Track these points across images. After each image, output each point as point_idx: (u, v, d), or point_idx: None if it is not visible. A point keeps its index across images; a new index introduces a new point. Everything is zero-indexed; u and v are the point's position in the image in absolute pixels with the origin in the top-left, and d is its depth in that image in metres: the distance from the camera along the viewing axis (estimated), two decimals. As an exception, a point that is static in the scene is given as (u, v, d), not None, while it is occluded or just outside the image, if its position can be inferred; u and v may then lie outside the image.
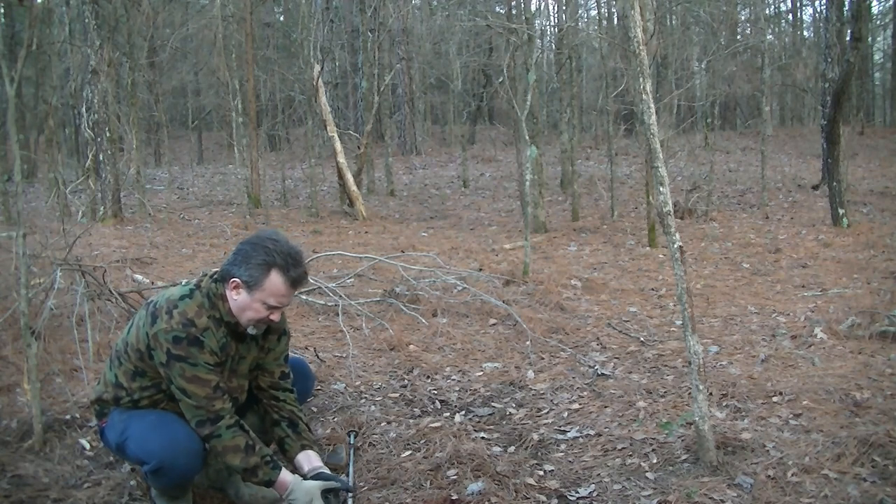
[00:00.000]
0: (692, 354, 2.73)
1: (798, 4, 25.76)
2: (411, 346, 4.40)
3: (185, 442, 2.36)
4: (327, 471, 2.53)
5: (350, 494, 2.51)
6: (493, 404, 3.55)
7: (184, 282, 2.55)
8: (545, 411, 3.43)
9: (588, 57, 21.57)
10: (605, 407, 3.40)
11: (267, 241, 2.38)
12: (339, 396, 3.63)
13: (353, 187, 11.23)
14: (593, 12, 23.83)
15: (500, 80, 10.56)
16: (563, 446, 3.04)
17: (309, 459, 2.53)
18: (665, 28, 13.50)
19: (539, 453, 2.99)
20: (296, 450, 2.55)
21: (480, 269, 6.57)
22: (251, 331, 2.44)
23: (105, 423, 2.52)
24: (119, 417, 2.48)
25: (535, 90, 8.78)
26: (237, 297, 2.38)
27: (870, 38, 21.21)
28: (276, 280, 2.35)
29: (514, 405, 3.52)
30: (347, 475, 2.76)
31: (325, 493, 2.43)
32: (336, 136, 11.42)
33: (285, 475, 2.41)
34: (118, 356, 2.49)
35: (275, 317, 2.43)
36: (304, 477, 2.49)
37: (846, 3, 9.84)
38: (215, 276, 2.44)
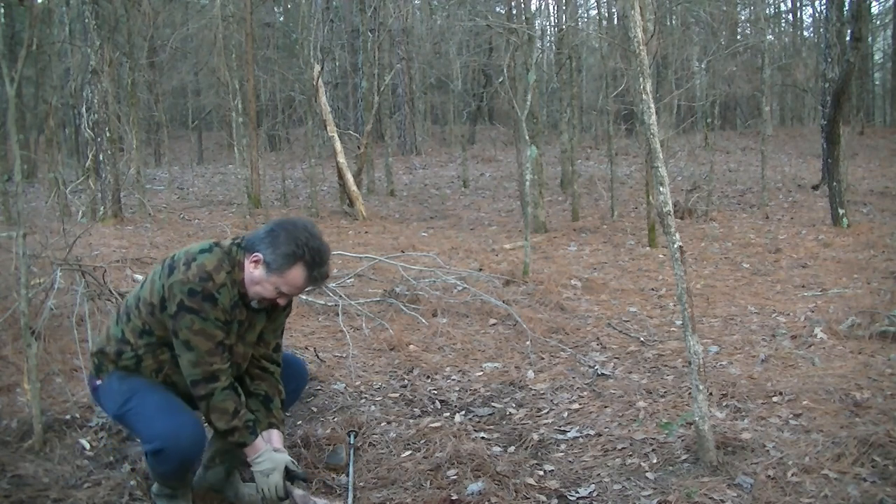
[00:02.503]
0: (692, 354, 2.73)
1: (798, 4, 25.78)
2: (411, 346, 4.40)
3: (191, 428, 2.36)
4: (286, 454, 2.53)
5: (306, 484, 2.53)
6: (493, 404, 3.55)
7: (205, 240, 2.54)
8: (545, 411, 3.43)
9: (588, 57, 21.57)
10: (605, 407, 3.40)
11: (302, 231, 2.37)
12: (339, 396, 3.63)
13: (353, 187, 11.23)
14: (593, 12, 23.85)
15: (500, 80, 10.56)
16: (563, 446, 3.04)
17: (271, 439, 2.52)
18: (665, 28, 13.51)
19: (539, 453, 2.99)
20: (263, 426, 2.53)
21: (480, 269, 6.57)
22: (254, 304, 2.45)
23: (101, 382, 2.49)
24: (119, 386, 2.44)
25: (535, 90, 8.78)
26: (254, 271, 2.37)
27: (870, 38, 21.21)
28: (297, 273, 2.36)
29: (514, 405, 3.52)
30: (347, 475, 2.76)
31: (287, 472, 2.45)
32: (336, 136, 11.42)
33: (259, 441, 2.43)
34: (127, 312, 2.47)
35: (281, 301, 2.44)
36: None
37: (846, 3, 9.84)
38: (240, 242, 2.43)
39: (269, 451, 2.44)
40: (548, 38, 19.91)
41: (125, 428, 2.59)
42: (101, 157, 9.80)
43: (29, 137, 16.41)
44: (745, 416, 3.18)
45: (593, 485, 2.69)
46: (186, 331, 2.31)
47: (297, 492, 2.48)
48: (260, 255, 2.36)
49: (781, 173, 13.74)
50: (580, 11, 19.68)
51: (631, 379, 3.77)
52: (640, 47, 2.76)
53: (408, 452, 2.97)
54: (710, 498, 2.51)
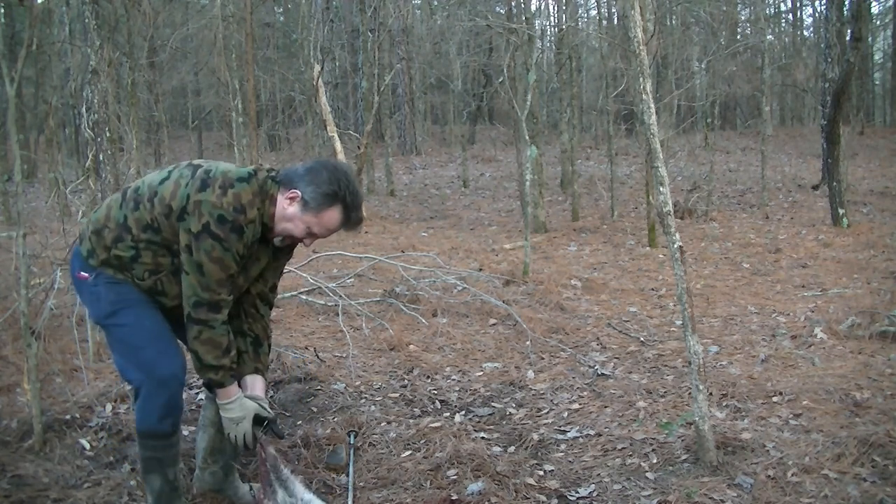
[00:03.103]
0: (692, 354, 2.73)
1: (798, 4, 25.77)
2: (411, 346, 4.40)
3: (175, 365, 2.34)
4: (265, 401, 2.49)
5: (275, 433, 2.49)
6: (493, 404, 3.55)
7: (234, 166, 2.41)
8: (545, 411, 3.43)
9: (588, 57, 21.56)
10: (605, 407, 3.40)
11: (343, 174, 2.33)
12: (339, 396, 3.63)
13: (354, 187, 11.21)
14: (593, 12, 23.84)
15: (500, 80, 10.56)
16: (563, 446, 3.04)
17: (254, 384, 2.48)
18: (665, 28, 13.51)
19: (539, 453, 3.00)
20: (248, 369, 2.48)
21: (480, 269, 6.57)
22: (277, 241, 2.40)
23: (88, 277, 2.37)
24: (107, 294, 2.35)
25: (535, 90, 8.77)
26: (288, 208, 2.31)
27: (870, 38, 21.20)
28: (335, 214, 2.32)
29: (514, 405, 3.52)
30: (347, 475, 2.76)
31: (258, 419, 2.42)
32: (336, 136, 11.41)
33: (234, 387, 2.38)
34: (136, 198, 2.34)
35: (307, 242, 2.40)
36: None
37: (846, 3, 9.83)
38: (275, 176, 2.35)
39: (241, 398, 2.39)
40: (548, 38, 19.91)
41: (105, 334, 2.48)
42: (101, 157, 9.76)
43: (29, 137, 16.41)
44: (745, 416, 3.18)
45: (593, 485, 2.70)
46: (204, 254, 2.23)
47: (270, 451, 2.42)
48: (298, 192, 2.30)
49: (781, 173, 13.73)
50: (580, 11, 19.68)
51: (631, 379, 3.77)
52: (640, 47, 2.76)
53: (408, 452, 2.97)
54: (710, 498, 2.51)
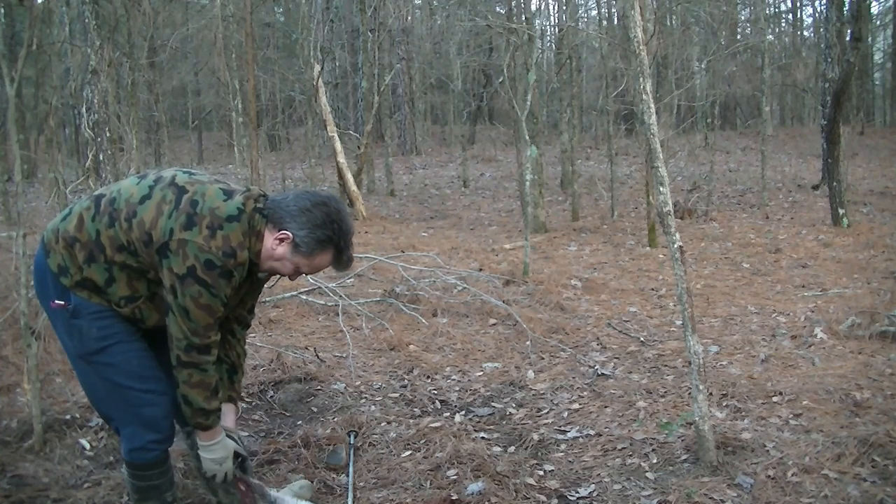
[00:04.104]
0: (692, 354, 2.73)
1: (798, 4, 25.78)
2: (411, 346, 4.40)
3: (160, 419, 2.26)
4: (237, 435, 2.46)
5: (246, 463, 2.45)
6: (493, 404, 3.55)
7: (221, 185, 2.23)
8: (545, 411, 3.43)
9: (588, 57, 21.57)
10: (605, 407, 3.40)
11: (336, 214, 2.21)
12: (339, 396, 3.63)
13: (353, 187, 11.22)
14: (593, 12, 23.85)
15: (500, 80, 10.56)
16: (563, 446, 3.04)
17: (226, 415, 2.39)
18: (665, 28, 13.49)
19: (539, 453, 3.00)
20: (222, 397, 2.37)
21: (480, 269, 6.57)
22: (261, 276, 2.32)
23: (67, 306, 2.18)
24: (89, 327, 2.18)
25: (535, 90, 8.77)
26: (277, 248, 2.19)
27: (870, 38, 21.20)
28: (326, 258, 2.23)
29: (514, 405, 3.52)
30: (347, 475, 2.76)
31: (235, 454, 2.38)
32: (336, 136, 11.42)
33: (219, 426, 2.31)
34: (112, 213, 2.16)
35: (293, 278, 2.31)
36: None
37: (846, 3, 9.83)
38: (263, 210, 2.20)
39: (224, 438, 2.32)
40: (548, 38, 19.92)
41: (82, 371, 2.30)
42: (101, 157, 9.77)
43: (29, 137, 16.41)
44: (745, 416, 3.18)
45: (593, 485, 2.70)
46: (191, 300, 2.10)
47: (253, 481, 2.41)
48: (289, 234, 2.18)
49: (781, 173, 13.74)
50: (580, 11, 19.68)
51: (631, 379, 3.77)
52: (640, 47, 2.76)
53: (408, 452, 2.97)
54: (710, 498, 2.51)
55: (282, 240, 2.19)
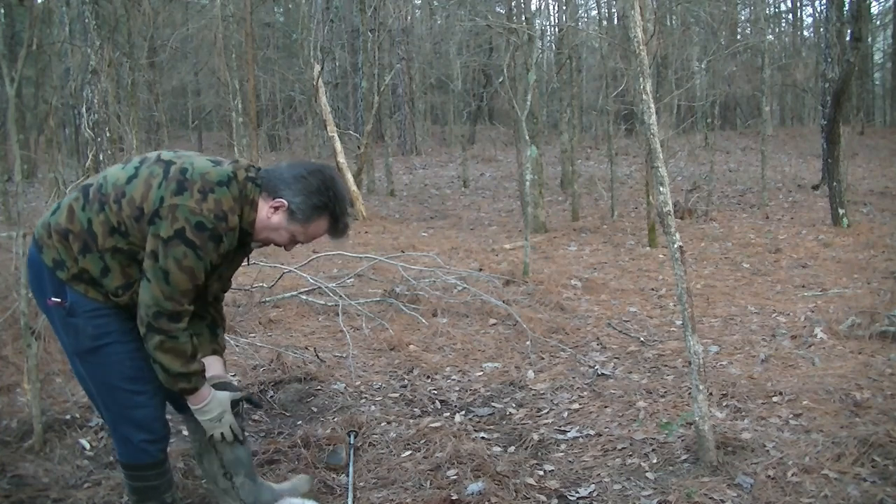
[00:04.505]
0: (692, 354, 2.73)
1: (798, 4, 25.79)
2: (411, 346, 4.40)
3: (152, 421, 2.25)
4: (229, 379, 2.43)
5: (255, 406, 2.42)
6: (493, 404, 3.55)
7: (208, 157, 2.24)
8: (545, 411, 3.43)
9: (588, 57, 21.57)
10: (605, 407, 3.40)
11: (331, 181, 2.21)
12: (339, 396, 3.63)
13: (353, 187, 11.23)
14: (593, 12, 23.86)
15: (500, 80, 10.56)
16: (563, 446, 3.04)
17: (212, 366, 2.36)
18: (665, 28, 13.49)
19: (539, 453, 3.00)
20: (205, 351, 2.38)
21: (480, 269, 6.57)
22: (255, 246, 2.29)
23: (63, 304, 2.16)
24: (85, 326, 2.16)
25: (535, 90, 8.77)
26: (272, 217, 2.18)
27: (870, 38, 21.20)
28: (322, 225, 2.22)
29: (514, 405, 3.52)
30: (347, 475, 2.76)
31: (233, 404, 2.34)
32: (336, 136, 11.42)
33: (206, 387, 2.25)
34: (101, 199, 2.14)
35: (289, 248, 2.29)
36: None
37: (846, 3, 9.83)
38: (256, 179, 2.19)
39: (215, 394, 2.27)
40: (548, 38, 19.92)
41: (78, 367, 2.29)
42: (101, 157, 9.78)
43: (29, 137, 16.41)
44: (745, 416, 3.18)
45: (593, 485, 2.70)
46: (173, 262, 2.06)
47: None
48: (284, 202, 2.17)
49: (781, 173, 13.74)
50: (580, 11, 19.68)
51: (631, 379, 3.77)
52: (640, 47, 2.76)
53: (408, 452, 2.97)
54: (710, 498, 2.51)
55: (277, 208, 2.18)
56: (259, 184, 2.19)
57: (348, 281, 5.86)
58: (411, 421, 3.30)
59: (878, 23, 23.41)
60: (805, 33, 25.69)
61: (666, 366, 3.96)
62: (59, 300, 2.17)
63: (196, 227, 2.06)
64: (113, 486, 2.70)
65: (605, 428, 3.16)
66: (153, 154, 2.25)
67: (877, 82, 25.89)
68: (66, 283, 2.16)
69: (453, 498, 2.55)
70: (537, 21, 13.65)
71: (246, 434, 2.44)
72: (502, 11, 14.86)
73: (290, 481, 2.62)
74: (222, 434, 2.30)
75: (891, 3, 22.88)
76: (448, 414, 3.43)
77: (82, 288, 2.16)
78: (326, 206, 2.20)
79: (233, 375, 3.74)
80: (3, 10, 15.13)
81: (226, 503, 2.42)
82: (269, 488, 2.49)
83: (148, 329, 2.11)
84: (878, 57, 25.57)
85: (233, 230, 2.13)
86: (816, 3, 22.65)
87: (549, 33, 19.80)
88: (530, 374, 3.92)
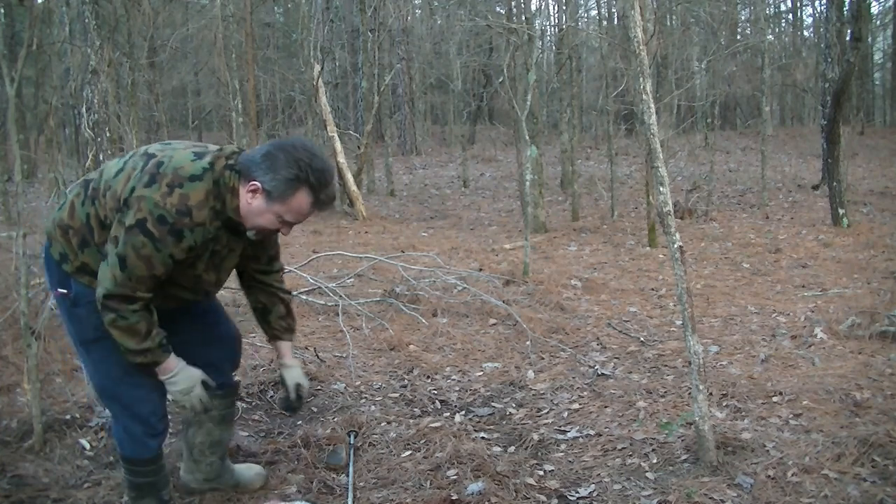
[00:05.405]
0: (692, 354, 2.73)
1: (798, 4, 25.79)
2: (411, 346, 4.40)
3: (148, 415, 2.31)
4: (292, 364, 2.57)
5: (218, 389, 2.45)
6: (493, 404, 3.55)
7: (196, 149, 2.22)
8: (545, 411, 3.43)
9: (588, 57, 21.58)
10: (605, 407, 3.40)
11: (302, 152, 2.13)
12: (339, 396, 3.63)
13: (353, 187, 11.23)
14: (593, 12, 23.86)
15: (500, 80, 10.56)
16: (563, 446, 3.04)
17: (281, 351, 2.56)
18: (665, 28, 13.50)
19: (539, 453, 3.00)
20: (270, 337, 2.56)
21: (480, 269, 6.57)
22: (251, 235, 2.24)
23: (69, 294, 2.24)
24: (89, 316, 2.22)
25: (535, 90, 8.77)
26: (252, 202, 2.14)
27: (870, 38, 21.20)
28: (302, 199, 2.13)
29: (514, 405, 3.52)
30: (347, 475, 2.76)
31: (205, 385, 2.35)
32: (336, 136, 11.42)
33: (172, 359, 2.25)
34: (93, 194, 2.20)
35: (285, 231, 2.23)
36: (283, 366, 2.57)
37: (846, 3, 9.83)
38: (234, 165, 2.17)
39: (184, 368, 2.28)
40: (548, 38, 19.92)
41: (84, 356, 2.36)
42: (101, 157, 9.77)
43: (29, 137, 16.41)
44: (745, 416, 3.18)
45: (593, 485, 2.70)
46: (131, 249, 2.07)
47: None
48: (258, 184, 2.12)
49: (781, 173, 13.74)
50: (580, 11, 19.68)
51: (631, 379, 3.77)
52: (640, 47, 2.76)
53: (408, 452, 2.97)
54: (710, 498, 2.51)
55: (254, 191, 2.14)
56: (238, 170, 2.16)
57: (348, 281, 5.86)
58: (411, 421, 3.30)
59: (878, 23, 23.42)
60: (805, 33, 25.72)
61: (666, 366, 3.96)
62: (64, 291, 2.25)
63: (158, 220, 2.06)
64: (113, 486, 2.70)
65: (605, 428, 3.16)
66: (144, 147, 2.28)
67: (877, 82, 25.90)
68: (71, 276, 2.23)
69: (453, 498, 2.55)
70: (537, 21, 13.63)
71: (233, 426, 2.59)
72: (502, 11, 14.86)
73: (247, 465, 2.77)
74: (191, 405, 2.33)
75: (891, 3, 22.90)
76: (448, 414, 3.43)
77: (86, 280, 2.22)
78: (298, 178, 2.11)
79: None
80: (3, 10, 15.13)
81: (190, 470, 2.61)
82: (230, 470, 2.68)
83: (101, 307, 2.14)
84: (878, 57, 25.58)
85: (201, 225, 2.11)
86: (816, 3, 22.67)
87: (549, 33, 19.81)
88: (530, 374, 3.92)
